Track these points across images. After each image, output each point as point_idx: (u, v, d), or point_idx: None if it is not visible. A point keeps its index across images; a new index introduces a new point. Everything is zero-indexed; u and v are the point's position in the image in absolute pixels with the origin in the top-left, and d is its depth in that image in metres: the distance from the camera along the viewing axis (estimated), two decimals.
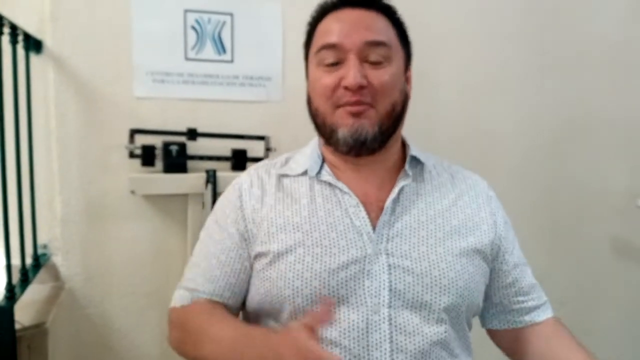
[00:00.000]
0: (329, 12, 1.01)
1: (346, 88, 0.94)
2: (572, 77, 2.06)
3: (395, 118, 0.99)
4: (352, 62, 0.94)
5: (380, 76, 0.95)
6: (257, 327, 0.95)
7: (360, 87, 0.94)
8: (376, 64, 0.96)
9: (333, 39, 0.97)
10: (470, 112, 1.94)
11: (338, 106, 0.97)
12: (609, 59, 2.10)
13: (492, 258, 1.05)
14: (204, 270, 1.03)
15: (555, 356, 1.04)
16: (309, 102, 1.04)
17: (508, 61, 1.97)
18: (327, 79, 0.97)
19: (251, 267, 1.02)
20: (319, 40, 1.00)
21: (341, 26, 0.97)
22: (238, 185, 1.07)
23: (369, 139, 0.96)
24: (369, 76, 0.95)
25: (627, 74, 2.14)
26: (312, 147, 1.09)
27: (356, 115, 0.95)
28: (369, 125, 0.95)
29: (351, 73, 0.93)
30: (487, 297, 1.08)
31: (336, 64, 0.97)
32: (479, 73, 1.94)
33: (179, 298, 1.04)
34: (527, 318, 1.08)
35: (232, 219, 1.04)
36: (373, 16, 0.99)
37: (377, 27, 0.98)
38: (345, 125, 0.96)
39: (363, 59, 0.96)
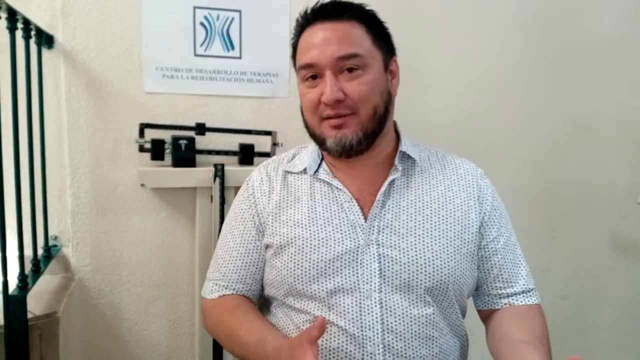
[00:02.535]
0: (305, 27, 1.06)
1: (325, 104, 1.01)
2: (573, 74, 2.07)
3: (378, 119, 1.04)
4: (327, 78, 1.01)
5: (356, 87, 1.01)
6: (273, 335, 1.01)
7: (338, 101, 1.00)
8: (352, 74, 1.01)
9: (308, 59, 1.03)
10: (469, 109, 1.95)
11: (323, 119, 1.04)
12: (609, 56, 2.11)
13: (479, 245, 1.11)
14: (226, 262, 1.14)
15: (499, 331, 1.07)
16: (302, 113, 1.10)
17: (507, 58, 1.98)
18: (310, 94, 1.04)
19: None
20: (299, 59, 1.07)
21: (315, 44, 1.02)
22: (251, 183, 1.18)
23: (355, 144, 1.02)
24: (346, 88, 1.01)
25: (628, 71, 2.14)
26: (314, 144, 1.15)
27: (337, 127, 1.02)
28: (351, 133, 1.02)
29: (327, 90, 1.00)
30: None
31: (316, 77, 1.03)
32: (478, 70, 1.95)
33: (207, 289, 1.17)
34: (504, 301, 1.12)
35: (249, 214, 1.14)
36: (344, 27, 1.02)
37: (349, 38, 1.01)
38: (330, 137, 1.03)
39: (339, 71, 1.01)
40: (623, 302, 2.25)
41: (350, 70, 1.01)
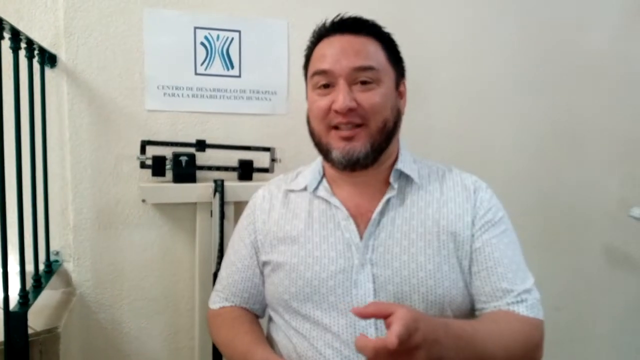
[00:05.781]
0: (322, 37, 1.07)
1: (336, 112, 1.00)
2: (567, 89, 2.10)
3: (386, 134, 1.04)
4: (341, 87, 1.00)
5: (369, 98, 1.01)
6: (262, 348, 1.03)
7: (350, 110, 1.00)
8: (365, 86, 1.01)
9: (324, 65, 1.03)
10: (466, 124, 1.98)
11: (331, 128, 1.03)
12: (602, 72, 2.14)
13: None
14: (227, 274, 1.19)
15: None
16: (308, 122, 1.10)
17: (503, 74, 2.01)
18: (321, 102, 1.03)
19: (262, 273, 1.15)
20: (313, 65, 1.07)
21: (331, 52, 1.03)
22: (254, 200, 1.20)
23: (361, 157, 1.02)
24: (358, 98, 1.01)
25: (619, 86, 2.17)
26: (317, 162, 1.16)
27: (347, 139, 1.02)
28: (360, 146, 1.01)
29: (340, 97, 0.99)
30: None
31: (328, 86, 1.03)
32: (475, 86, 1.97)
33: (211, 299, 1.23)
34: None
35: (247, 230, 1.17)
36: (362, 41, 1.03)
37: (366, 51, 1.02)
38: (337, 148, 1.02)
39: (352, 82, 1.01)
40: (616, 313, 2.25)
41: (363, 82, 1.01)
